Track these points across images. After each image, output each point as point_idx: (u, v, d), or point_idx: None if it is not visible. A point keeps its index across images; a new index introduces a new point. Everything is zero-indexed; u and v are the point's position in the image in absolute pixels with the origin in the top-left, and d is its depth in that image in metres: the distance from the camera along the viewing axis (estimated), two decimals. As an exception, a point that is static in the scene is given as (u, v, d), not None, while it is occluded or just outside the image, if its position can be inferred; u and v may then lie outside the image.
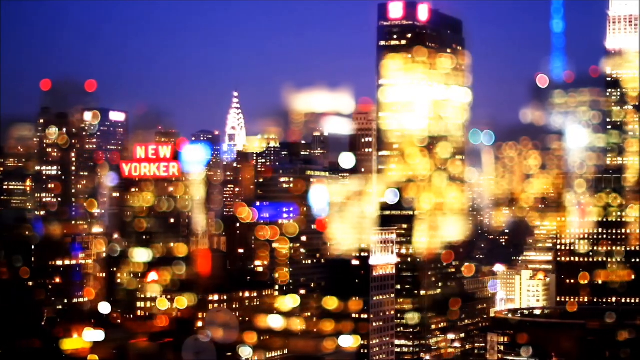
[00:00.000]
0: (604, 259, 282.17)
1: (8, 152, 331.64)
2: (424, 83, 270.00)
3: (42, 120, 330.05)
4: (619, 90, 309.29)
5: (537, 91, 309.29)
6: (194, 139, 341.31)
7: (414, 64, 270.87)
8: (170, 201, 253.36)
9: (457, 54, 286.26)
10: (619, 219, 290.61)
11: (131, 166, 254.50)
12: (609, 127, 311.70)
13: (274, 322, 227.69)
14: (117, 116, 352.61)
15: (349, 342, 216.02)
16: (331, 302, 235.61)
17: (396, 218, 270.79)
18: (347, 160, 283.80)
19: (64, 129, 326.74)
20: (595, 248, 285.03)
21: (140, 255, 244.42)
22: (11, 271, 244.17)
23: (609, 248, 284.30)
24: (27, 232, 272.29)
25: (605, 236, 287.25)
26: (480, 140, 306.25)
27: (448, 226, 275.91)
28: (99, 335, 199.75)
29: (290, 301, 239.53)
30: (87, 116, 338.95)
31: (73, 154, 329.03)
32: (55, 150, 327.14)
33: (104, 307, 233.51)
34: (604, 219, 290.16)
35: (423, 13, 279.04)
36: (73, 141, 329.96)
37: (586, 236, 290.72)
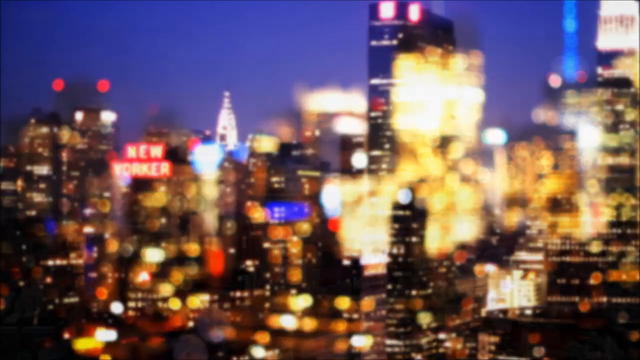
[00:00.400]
0: (602, 259, 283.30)
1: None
2: (432, 83, 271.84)
3: (33, 120, 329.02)
4: (631, 89, 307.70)
5: (549, 91, 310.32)
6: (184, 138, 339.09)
7: (414, 64, 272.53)
8: (182, 201, 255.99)
9: (448, 54, 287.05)
10: (632, 219, 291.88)
11: (122, 166, 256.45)
12: (622, 126, 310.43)
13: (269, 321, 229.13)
14: (108, 116, 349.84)
15: (362, 342, 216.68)
16: (322, 302, 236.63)
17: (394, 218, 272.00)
18: (359, 160, 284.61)
19: (55, 129, 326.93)
20: (606, 248, 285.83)
21: (151, 255, 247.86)
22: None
23: (613, 248, 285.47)
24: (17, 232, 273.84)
25: (616, 236, 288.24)
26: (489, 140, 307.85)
27: (443, 227, 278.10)
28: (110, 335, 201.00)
29: (292, 301, 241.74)
30: (78, 116, 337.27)
31: (65, 154, 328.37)
32: (47, 150, 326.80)
33: (116, 307, 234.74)
34: (617, 219, 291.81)
35: (414, 13, 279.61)
36: (65, 141, 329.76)
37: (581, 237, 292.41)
